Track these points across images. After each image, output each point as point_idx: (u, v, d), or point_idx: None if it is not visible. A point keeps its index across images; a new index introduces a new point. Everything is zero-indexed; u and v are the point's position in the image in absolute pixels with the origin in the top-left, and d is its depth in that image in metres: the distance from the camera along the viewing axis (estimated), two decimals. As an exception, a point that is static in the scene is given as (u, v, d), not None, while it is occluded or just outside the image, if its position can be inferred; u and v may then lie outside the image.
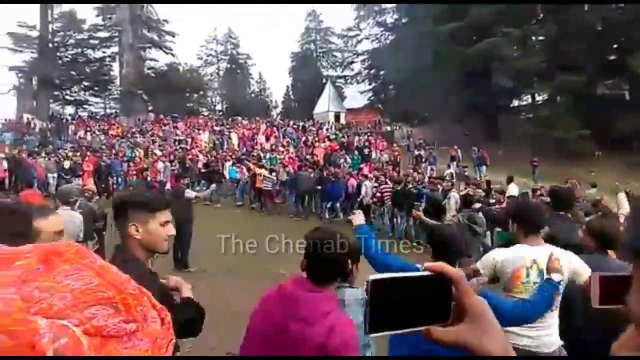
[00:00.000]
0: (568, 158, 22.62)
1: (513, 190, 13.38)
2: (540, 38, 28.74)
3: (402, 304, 0.62)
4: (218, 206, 16.09)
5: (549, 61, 25.15)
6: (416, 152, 24.37)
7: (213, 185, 14.29)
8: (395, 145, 25.88)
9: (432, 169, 20.69)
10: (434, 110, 33.84)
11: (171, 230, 2.07)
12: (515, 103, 34.22)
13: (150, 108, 38.17)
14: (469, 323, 0.65)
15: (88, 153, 19.67)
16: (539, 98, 31.94)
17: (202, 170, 18.34)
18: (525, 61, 25.65)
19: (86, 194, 8.03)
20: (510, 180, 14.82)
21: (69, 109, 39.63)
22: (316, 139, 25.11)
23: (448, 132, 29.08)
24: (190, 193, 8.89)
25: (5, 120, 29.94)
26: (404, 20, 40.81)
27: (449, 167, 20.29)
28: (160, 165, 18.49)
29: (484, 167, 21.02)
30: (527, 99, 33.52)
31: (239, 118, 33.91)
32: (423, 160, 22.41)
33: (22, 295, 0.56)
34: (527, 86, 29.33)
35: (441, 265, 0.66)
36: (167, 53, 42.02)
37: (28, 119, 29.33)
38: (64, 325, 0.55)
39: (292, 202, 15.49)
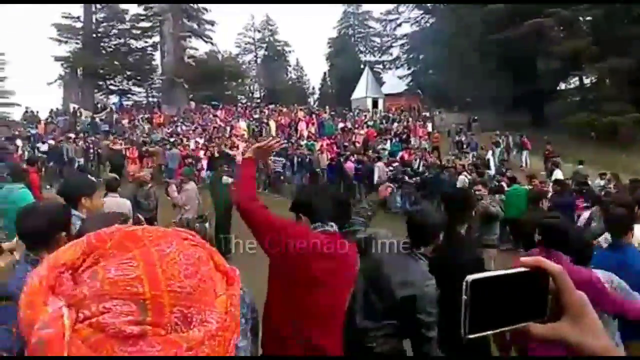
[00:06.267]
0: (618, 144, 21.55)
1: (558, 175, 13.59)
2: (588, 18, 27.20)
3: (499, 302, 0.60)
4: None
5: (596, 43, 23.84)
6: (457, 138, 23.87)
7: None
8: (435, 131, 25.34)
9: (473, 155, 20.28)
10: (477, 95, 32.79)
11: None
12: (562, 86, 32.71)
13: (191, 96, 38.75)
14: (570, 320, 0.62)
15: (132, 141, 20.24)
16: (586, 81, 30.42)
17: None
18: (572, 42, 24.44)
19: (143, 183, 8.52)
20: (555, 165, 14.90)
21: (113, 99, 40.57)
22: (355, 125, 24.91)
23: (491, 117, 28.21)
24: (227, 179, 9.02)
25: (52, 109, 31.03)
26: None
27: (486, 152, 20.03)
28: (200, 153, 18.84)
29: (525, 153, 20.68)
30: (574, 82, 31.93)
31: (277, 105, 33.90)
32: (464, 146, 21.93)
33: (54, 280, 0.57)
34: (575, 69, 27.92)
35: (539, 260, 0.63)
36: (206, 42, 42.45)
37: (74, 108, 30.01)
38: (61, 316, 0.53)
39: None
